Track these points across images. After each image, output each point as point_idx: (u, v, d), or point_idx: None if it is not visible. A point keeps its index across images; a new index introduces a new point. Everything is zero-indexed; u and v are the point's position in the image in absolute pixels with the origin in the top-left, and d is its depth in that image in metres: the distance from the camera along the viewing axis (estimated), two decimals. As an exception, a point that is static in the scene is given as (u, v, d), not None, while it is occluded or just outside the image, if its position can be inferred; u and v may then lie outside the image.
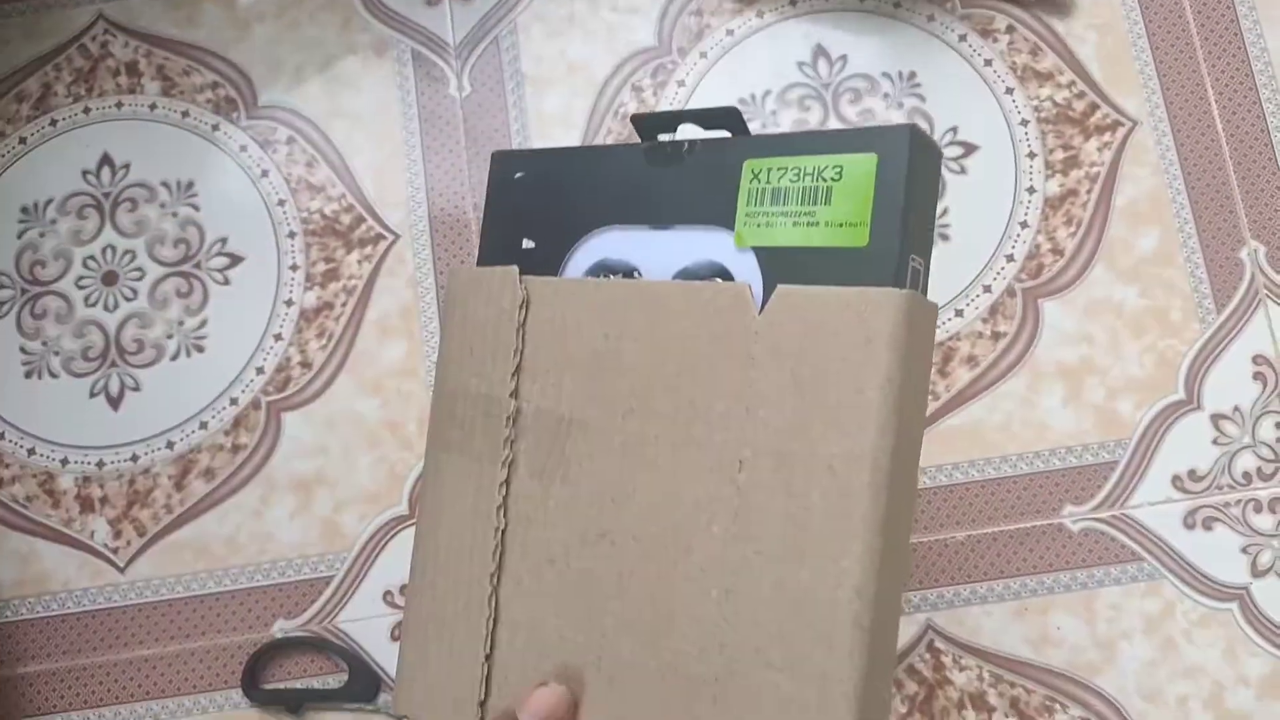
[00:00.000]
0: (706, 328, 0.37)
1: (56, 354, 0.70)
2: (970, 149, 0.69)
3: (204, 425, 0.68)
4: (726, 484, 0.36)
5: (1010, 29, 0.70)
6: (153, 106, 0.73)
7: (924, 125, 0.69)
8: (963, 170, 0.69)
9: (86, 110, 0.73)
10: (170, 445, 0.68)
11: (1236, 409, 0.65)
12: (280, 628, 0.65)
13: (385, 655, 0.64)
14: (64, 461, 0.68)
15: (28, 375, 0.69)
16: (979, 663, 0.63)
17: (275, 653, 0.65)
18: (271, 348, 0.69)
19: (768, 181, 0.37)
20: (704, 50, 0.71)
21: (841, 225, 0.35)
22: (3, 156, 0.73)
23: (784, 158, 0.37)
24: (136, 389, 0.69)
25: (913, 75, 0.70)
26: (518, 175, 0.44)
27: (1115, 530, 0.64)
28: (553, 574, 0.40)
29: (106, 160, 0.72)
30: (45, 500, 0.68)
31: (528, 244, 0.43)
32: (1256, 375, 0.65)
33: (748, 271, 0.38)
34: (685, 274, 0.39)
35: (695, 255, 0.39)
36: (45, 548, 0.67)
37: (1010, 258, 0.67)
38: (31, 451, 0.68)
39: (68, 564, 0.67)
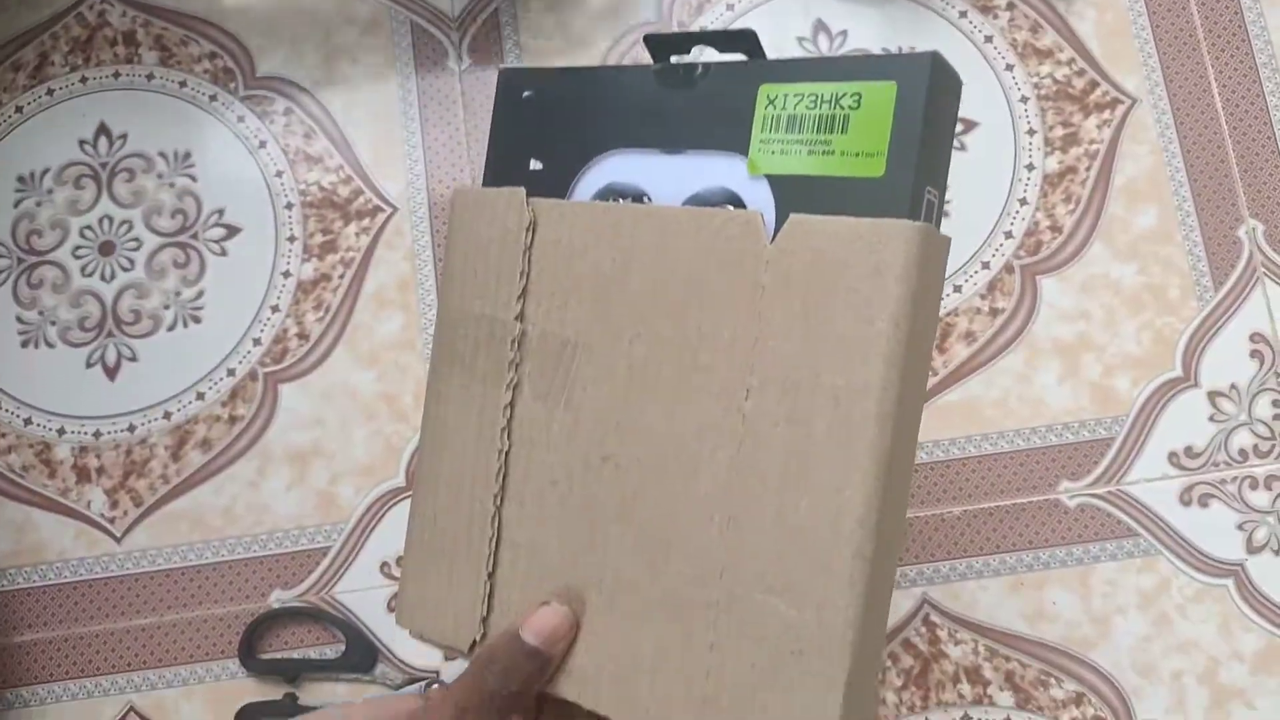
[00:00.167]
0: (716, 255, 0.37)
1: (53, 324, 0.69)
2: (970, 125, 0.69)
3: (201, 396, 0.68)
4: (732, 411, 0.36)
5: (1010, 6, 0.70)
6: (150, 76, 0.73)
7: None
8: (962, 147, 0.69)
9: (83, 80, 0.73)
10: (167, 416, 0.68)
11: (1233, 386, 0.65)
12: (277, 598, 0.65)
13: (382, 626, 0.65)
14: (60, 431, 0.68)
15: (24, 345, 0.69)
16: (974, 637, 0.63)
17: (272, 623, 0.65)
18: (269, 319, 0.69)
19: (783, 108, 0.37)
20: (704, 25, 0.71)
21: (858, 155, 0.35)
22: (-1, 126, 0.72)
23: (801, 84, 0.37)
24: (133, 359, 0.69)
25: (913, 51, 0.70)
26: (526, 94, 0.43)
27: (1111, 506, 0.64)
28: (555, 496, 0.40)
29: (103, 130, 0.72)
30: (41, 470, 0.68)
31: (535, 165, 0.42)
32: (1254, 353, 0.65)
33: (760, 199, 0.37)
34: (696, 200, 0.39)
35: (706, 181, 0.39)
36: (41, 517, 0.67)
37: (1009, 234, 0.67)
38: (28, 421, 0.68)
39: (64, 533, 0.67)
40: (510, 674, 0.38)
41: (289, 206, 0.70)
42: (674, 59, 0.40)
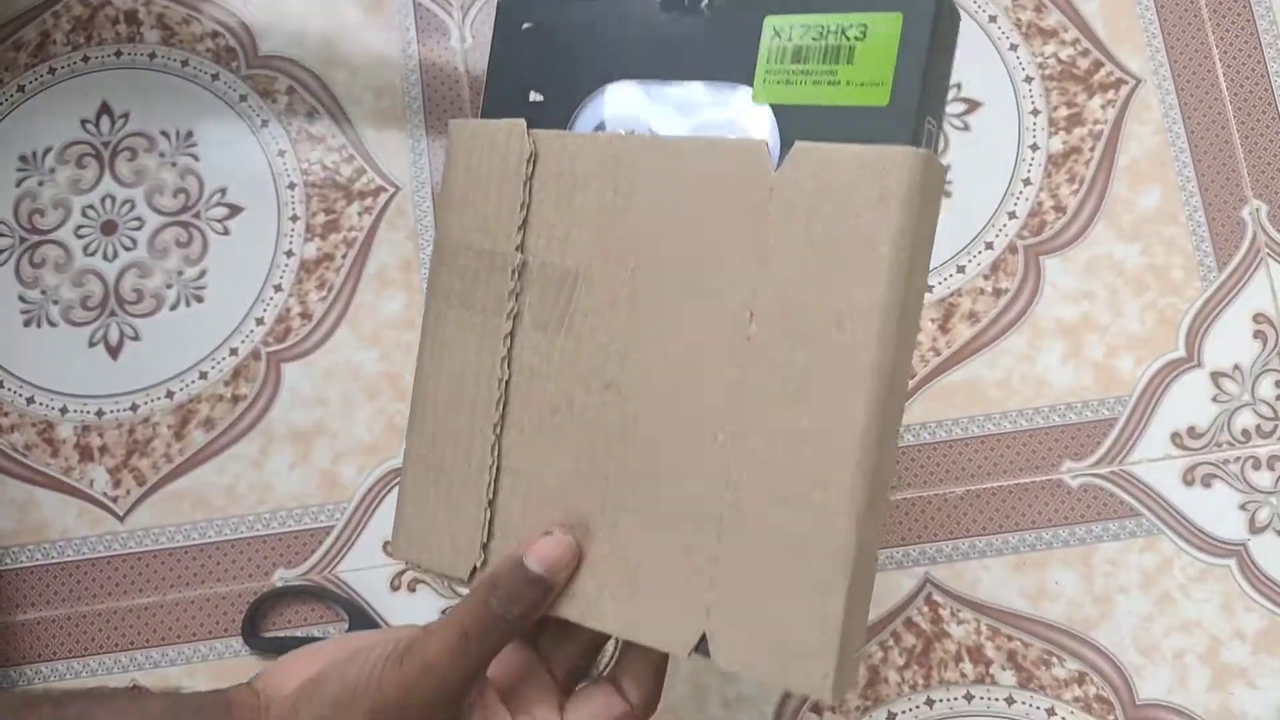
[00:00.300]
0: (721, 183, 0.37)
1: (55, 303, 0.69)
2: (974, 105, 0.69)
3: (204, 375, 0.68)
4: (736, 334, 0.36)
5: (1016, -15, 0.70)
6: (152, 55, 0.72)
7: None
8: (966, 127, 0.69)
9: (85, 59, 0.73)
10: (170, 395, 0.68)
11: (1236, 367, 0.65)
12: (281, 577, 0.65)
13: (385, 605, 0.65)
14: (63, 410, 0.68)
15: (26, 324, 0.69)
16: (977, 616, 0.63)
17: (276, 601, 0.65)
18: (271, 298, 0.69)
19: (789, 39, 0.37)
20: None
21: (863, 85, 0.35)
22: (1, 104, 0.72)
23: (807, 15, 0.37)
24: (136, 338, 0.69)
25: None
26: (525, 25, 0.43)
27: (1114, 486, 0.64)
28: (556, 423, 0.40)
29: (105, 109, 0.72)
30: (44, 449, 0.68)
31: (535, 97, 0.42)
32: (1257, 334, 0.65)
33: (764, 129, 0.37)
34: (699, 130, 0.39)
35: (710, 112, 0.39)
36: (44, 496, 0.67)
37: (1012, 215, 0.67)
38: (30, 400, 0.68)
39: (66, 512, 0.67)
40: (513, 600, 0.38)
41: (291, 186, 0.70)
42: None
